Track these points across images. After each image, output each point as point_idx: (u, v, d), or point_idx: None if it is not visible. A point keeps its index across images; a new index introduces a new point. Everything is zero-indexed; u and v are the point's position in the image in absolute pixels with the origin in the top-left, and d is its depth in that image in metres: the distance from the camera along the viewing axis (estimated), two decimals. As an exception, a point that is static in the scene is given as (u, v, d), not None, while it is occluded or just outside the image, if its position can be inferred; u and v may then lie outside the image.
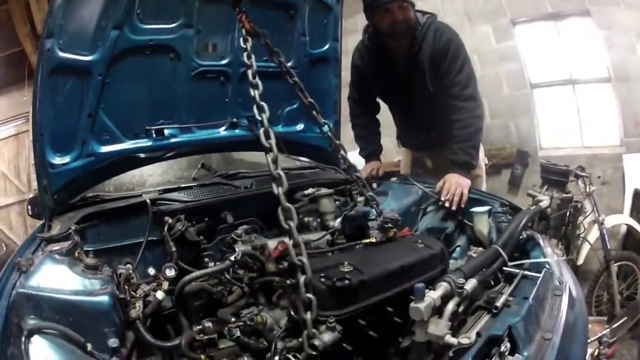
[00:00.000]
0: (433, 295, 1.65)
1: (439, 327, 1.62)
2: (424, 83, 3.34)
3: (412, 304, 1.60)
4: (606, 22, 5.55)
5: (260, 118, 1.94)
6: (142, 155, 2.71)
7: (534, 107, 6.35)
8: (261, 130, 1.92)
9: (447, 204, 2.90)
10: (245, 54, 2.08)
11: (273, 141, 1.89)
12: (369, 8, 3.26)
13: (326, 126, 2.56)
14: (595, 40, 5.72)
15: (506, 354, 1.49)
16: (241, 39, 2.14)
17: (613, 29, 5.51)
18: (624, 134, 5.62)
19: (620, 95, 5.61)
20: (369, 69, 3.60)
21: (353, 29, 6.64)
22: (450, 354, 1.61)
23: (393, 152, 4.20)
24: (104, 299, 1.79)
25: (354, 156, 2.85)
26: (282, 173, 1.84)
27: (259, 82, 1.98)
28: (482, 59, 6.30)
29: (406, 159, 4.18)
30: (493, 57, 6.37)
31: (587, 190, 4.32)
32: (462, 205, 2.89)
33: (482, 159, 3.85)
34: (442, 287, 1.72)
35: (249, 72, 2.01)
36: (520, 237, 2.38)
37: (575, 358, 1.78)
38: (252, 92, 1.98)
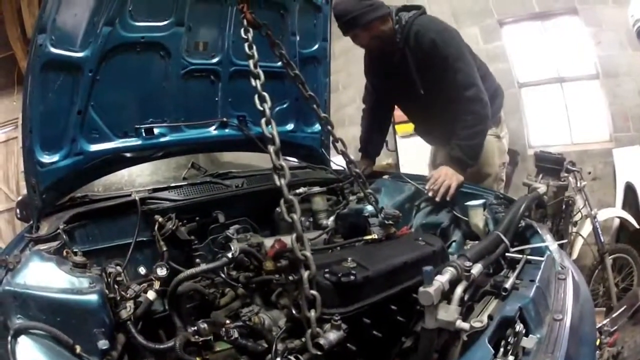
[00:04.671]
0: (441, 279, 1.59)
1: (449, 313, 1.56)
2: (414, 88, 3.26)
3: (421, 288, 1.54)
4: (594, 19, 5.64)
5: (261, 108, 1.91)
6: (131, 154, 2.69)
7: (522, 106, 6.38)
8: (263, 120, 1.89)
9: (430, 194, 2.87)
10: (246, 45, 2.07)
11: (275, 132, 1.85)
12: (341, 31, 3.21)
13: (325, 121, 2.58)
14: (583, 37, 5.80)
15: (522, 334, 1.45)
16: (242, 29, 2.13)
17: (602, 26, 5.59)
18: (614, 129, 5.70)
19: (608, 91, 5.68)
20: (372, 73, 3.59)
21: (340, 33, 6.70)
22: (465, 338, 1.57)
23: (382, 154, 4.18)
24: (93, 297, 1.73)
25: (339, 161, 2.81)
26: (284, 164, 1.80)
27: (261, 72, 1.98)
28: (470, 59, 6.34)
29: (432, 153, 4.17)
30: (480, 57, 6.33)
31: (579, 185, 4.32)
32: (448, 198, 2.84)
33: (498, 157, 3.71)
34: (449, 272, 1.67)
35: (251, 62, 2.01)
36: (520, 225, 2.34)
37: (587, 338, 1.76)
38: (253, 82, 1.97)
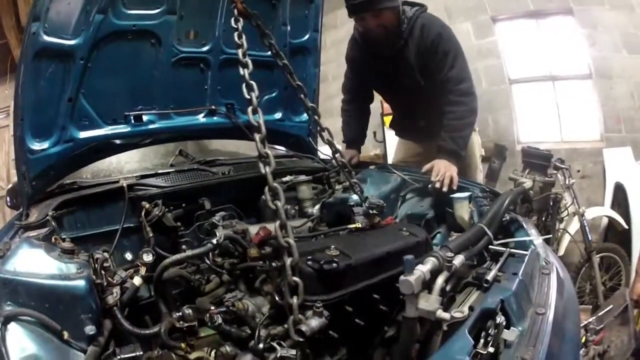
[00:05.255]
0: (422, 269, 1.60)
1: (430, 302, 1.58)
2: (413, 78, 3.31)
3: (402, 277, 1.55)
4: (589, 21, 5.65)
5: (249, 97, 1.94)
6: (120, 141, 2.70)
7: (512, 102, 6.39)
8: (249, 109, 1.91)
9: (437, 185, 2.86)
10: (236, 34, 2.10)
11: (261, 120, 1.87)
12: (348, 11, 3.22)
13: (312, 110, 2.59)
14: (577, 38, 5.80)
15: (502, 326, 1.45)
16: (232, 19, 2.15)
17: (597, 27, 5.60)
18: (605, 129, 5.70)
19: (601, 91, 5.69)
20: (360, 61, 3.58)
21: (332, 25, 6.66)
22: (445, 328, 1.58)
23: (369, 145, 4.18)
24: (80, 283, 1.73)
25: (326, 150, 2.83)
26: (269, 152, 1.83)
27: (249, 61, 2.00)
28: (461, 54, 6.35)
29: (400, 149, 4.18)
30: (472, 53, 6.31)
31: (567, 182, 4.34)
32: (454, 187, 2.86)
33: (477, 149, 3.86)
34: (431, 262, 1.68)
35: (240, 51, 2.04)
36: (504, 219, 2.35)
37: (570, 334, 1.76)
38: (241, 71, 1.99)
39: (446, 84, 3.20)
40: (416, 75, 3.30)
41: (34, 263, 1.79)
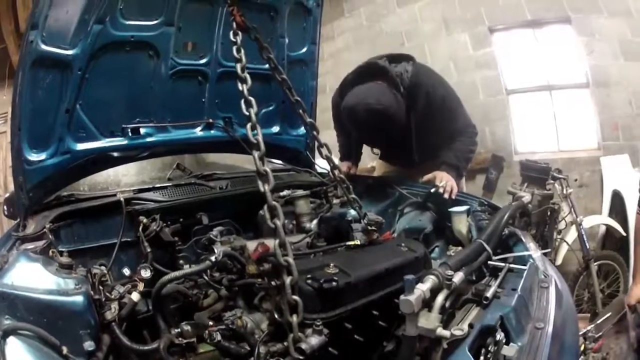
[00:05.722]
0: (422, 288, 1.60)
1: (430, 321, 1.58)
2: (409, 134, 3.29)
3: (402, 296, 1.54)
4: (587, 29, 5.64)
5: (247, 113, 1.93)
6: (117, 153, 2.69)
7: (509, 112, 6.37)
8: (248, 125, 1.91)
9: (440, 190, 2.87)
10: (235, 48, 2.10)
11: (260, 137, 1.87)
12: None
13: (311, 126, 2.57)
14: (575, 46, 5.79)
15: (502, 342, 1.46)
16: (231, 32, 2.15)
17: (595, 36, 5.59)
18: (602, 138, 5.69)
19: (598, 100, 5.68)
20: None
21: (330, 36, 6.67)
22: (445, 345, 1.58)
23: (366, 159, 4.17)
24: (79, 299, 1.74)
25: (324, 163, 2.82)
26: (268, 170, 1.82)
27: (248, 77, 2.00)
28: (458, 66, 6.38)
29: (381, 171, 4.14)
30: (469, 64, 6.40)
31: (565, 192, 4.33)
32: (454, 197, 2.88)
33: None
34: (430, 280, 1.68)
35: (238, 65, 2.05)
36: (503, 233, 2.35)
37: (569, 346, 1.77)
38: (240, 86, 1.99)
39: (449, 130, 3.27)
40: (413, 134, 3.29)
41: (32, 277, 1.79)
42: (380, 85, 3.05)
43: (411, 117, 3.19)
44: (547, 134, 6.19)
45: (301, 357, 1.55)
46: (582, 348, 3.12)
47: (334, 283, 1.73)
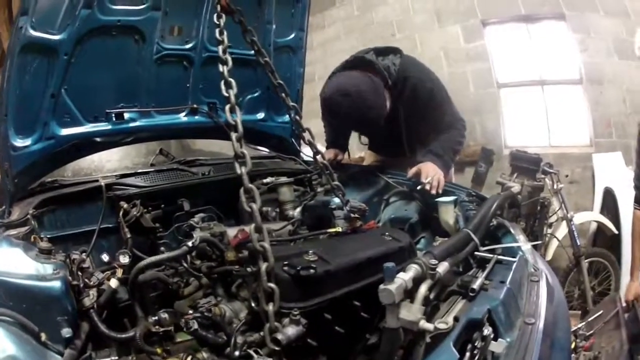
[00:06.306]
0: (404, 277, 1.55)
1: (412, 312, 1.52)
2: (397, 128, 3.27)
3: (382, 286, 1.50)
4: (582, 26, 5.66)
5: (227, 94, 1.91)
6: (101, 139, 2.67)
7: (500, 106, 6.40)
8: (227, 107, 1.88)
9: (427, 187, 2.79)
10: (217, 30, 2.09)
11: (239, 119, 1.83)
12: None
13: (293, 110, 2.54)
14: (568, 43, 5.80)
15: (490, 338, 1.39)
16: (215, 15, 2.13)
17: (589, 33, 5.61)
18: (594, 134, 5.71)
19: (591, 97, 5.70)
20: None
21: (320, 25, 6.64)
22: (428, 340, 1.52)
23: (354, 148, 4.15)
24: (56, 284, 1.68)
25: (309, 152, 2.78)
26: (246, 152, 1.78)
27: (229, 58, 1.99)
28: (449, 57, 6.43)
29: (370, 161, 4.08)
30: (460, 56, 6.44)
31: (555, 187, 4.31)
32: (440, 191, 2.80)
33: None
34: (413, 269, 1.62)
35: (220, 47, 2.03)
36: (491, 224, 2.29)
37: (561, 343, 1.72)
38: (220, 67, 1.98)
39: (437, 124, 3.22)
40: (401, 127, 3.27)
41: (12, 262, 1.75)
42: (361, 73, 3.00)
43: (399, 110, 3.17)
44: (538, 128, 6.22)
45: (277, 348, 1.50)
46: (573, 346, 3.09)
47: (312, 270, 1.69)
